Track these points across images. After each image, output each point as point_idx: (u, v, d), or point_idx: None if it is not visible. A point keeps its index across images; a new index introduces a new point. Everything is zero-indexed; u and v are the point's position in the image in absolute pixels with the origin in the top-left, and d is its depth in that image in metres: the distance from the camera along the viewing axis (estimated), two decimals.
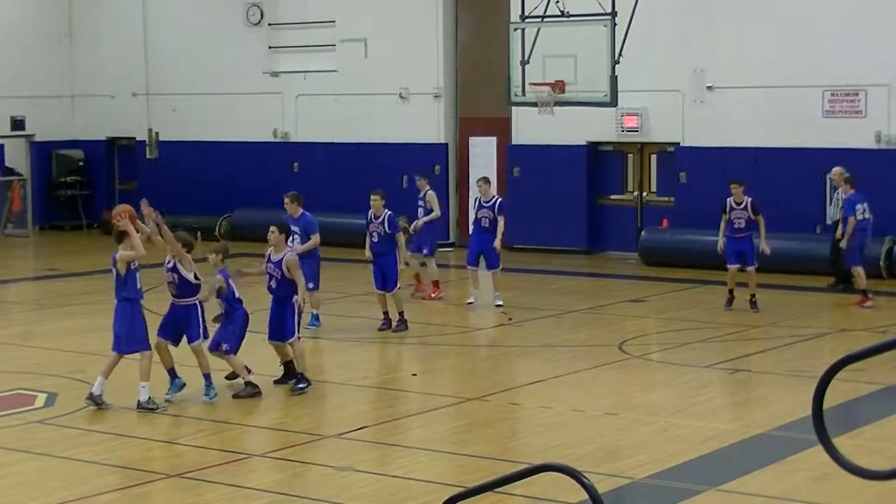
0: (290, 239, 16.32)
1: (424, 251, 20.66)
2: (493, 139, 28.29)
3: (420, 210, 21.04)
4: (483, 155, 28.41)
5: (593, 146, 27.00)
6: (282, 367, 14.88)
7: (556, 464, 5.89)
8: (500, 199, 20.50)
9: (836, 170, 21.52)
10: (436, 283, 20.84)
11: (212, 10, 31.56)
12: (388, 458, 12.09)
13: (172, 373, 14.16)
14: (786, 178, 24.48)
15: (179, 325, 14.15)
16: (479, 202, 20.51)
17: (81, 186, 33.18)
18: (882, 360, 5.59)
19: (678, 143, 25.94)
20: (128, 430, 13.13)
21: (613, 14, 20.23)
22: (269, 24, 30.65)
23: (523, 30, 21.07)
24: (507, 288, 20.50)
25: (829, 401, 4.79)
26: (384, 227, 18.30)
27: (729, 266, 19.75)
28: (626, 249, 26.41)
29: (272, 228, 14.70)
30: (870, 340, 16.82)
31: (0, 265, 26.94)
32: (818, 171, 24.11)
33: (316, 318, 18.46)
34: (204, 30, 31.55)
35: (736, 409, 14.19)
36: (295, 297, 14.48)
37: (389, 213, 18.45)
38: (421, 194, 21.07)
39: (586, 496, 5.44)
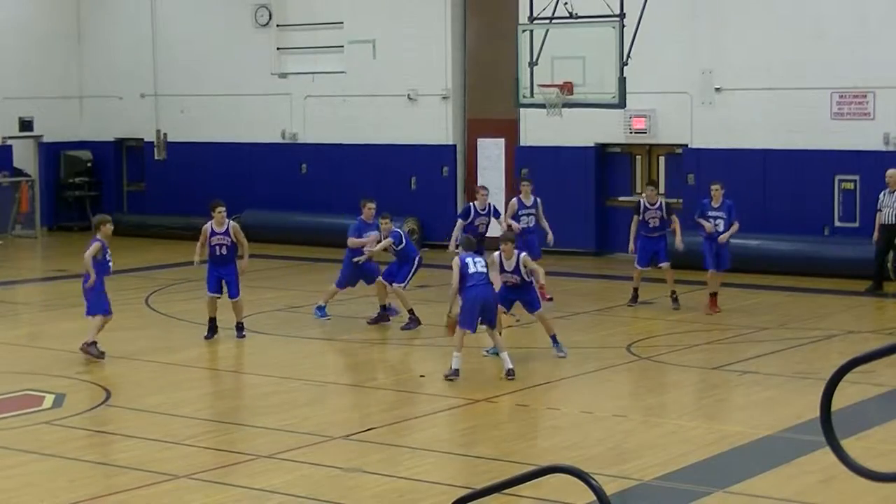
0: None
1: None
2: (502, 140, 28.28)
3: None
4: (491, 156, 28.40)
5: (601, 148, 26.98)
6: (209, 322, 18.04)
7: (564, 465, 5.89)
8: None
9: (893, 171, 21.61)
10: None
11: (220, 12, 31.59)
12: (396, 459, 12.09)
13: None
14: (794, 179, 24.45)
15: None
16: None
17: (89, 187, 33.21)
18: (890, 363, 5.58)
19: (686, 145, 25.92)
20: (135, 431, 13.15)
21: (622, 16, 20.22)
22: (277, 26, 30.68)
23: (531, 31, 21.06)
24: None
25: (837, 403, 4.79)
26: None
27: (638, 267, 20.77)
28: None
29: (220, 209, 18.21)
30: (878, 342, 16.81)
31: (8, 266, 26.97)
32: (826, 172, 24.11)
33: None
34: (212, 31, 31.58)
35: (744, 411, 14.18)
36: (238, 259, 18.03)
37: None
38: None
39: (594, 498, 5.44)
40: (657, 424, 13.28)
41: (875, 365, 5.03)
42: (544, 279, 17.26)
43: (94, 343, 16.66)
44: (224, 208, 18.31)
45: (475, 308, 15.34)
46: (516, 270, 16.22)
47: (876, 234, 21.74)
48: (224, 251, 17.99)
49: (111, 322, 18.41)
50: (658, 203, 20.56)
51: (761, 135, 24.86)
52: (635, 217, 20.72)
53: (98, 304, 16.74)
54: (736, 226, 20.08)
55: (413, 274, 18.92)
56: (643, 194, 21.28)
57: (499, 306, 16.19)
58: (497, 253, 16.44)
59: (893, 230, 21.55)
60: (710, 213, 20.10)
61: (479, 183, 28.36)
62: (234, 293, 17.97)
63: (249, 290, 21.39)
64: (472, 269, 15.50)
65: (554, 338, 16.59)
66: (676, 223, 20.56)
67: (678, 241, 20.43)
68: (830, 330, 18.58)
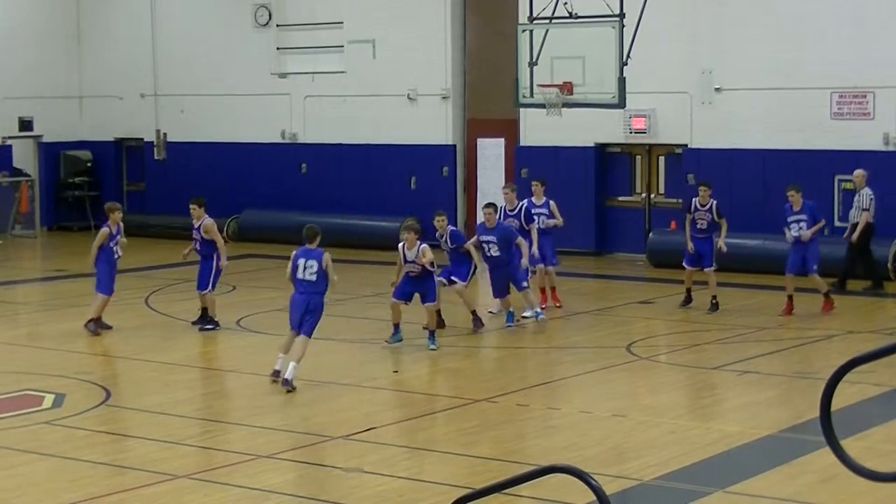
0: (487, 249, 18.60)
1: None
2: (501, 140, 28.28)
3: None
4: (491, 156, 28.41)
5: (601, 148, 26.98)
6: (200, 311, 18.59)
7: (563, 465, 5.89)
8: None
9: (859, 172, 21.63)
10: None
11: (220, 12, 31.59)
12: (396, 459, 12.09)
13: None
14: (793, 179, 24.28)
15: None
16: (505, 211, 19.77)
17: (89, 187, 33.20)
18: (889, 362, 5.58)
19: (686, 145, 25.92)
20: (135, 431, 13.15)
21: (621, 15, 20.21)
22: (277, 26, 30.68)
23: (531, 31, 21.06)
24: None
25: (837, 403, 4.79)
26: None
27: (686, 267, 20.28)
28: (634, 251, 26.41)
29: (193, 205, 18.51)
30: (877, 342, 16.80)
31: (8, 266, 26.98)
32: (826, 172, 24.11)
33: (511, 316, 18.99)
34: (212, 31, 31.58)
35: (744, 411, 14.17)
36: (214, 254, 18.22)
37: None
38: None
39: (594, 498, 5.44)
40: (657, 424, 13.27)
41: (875, 365, 5.03)
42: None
43: (92, 320, 18.07)
44: (195, 206, 18.65)
45: (296, 312, 15.07)
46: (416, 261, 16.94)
47: (847, 232, 21.81)
48: (197, 246, 18.56)
49: (110, 322, 18.47)
50: (709, 204, 19.97)
51: (761, 135, 24.86)
52: (687, 216, 20.27)
53: (98, 283, 18.27)
54: (822, 223, 19.79)
55: (473, 272, 18.61)
56: (696, 195, 20.33)
57: (398, 302, 17.19)
58: (400, 244, 17.19)
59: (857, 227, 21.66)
60: (791, 219, 19.62)
61: (480, 182, 28.42)
62: (199, 286, 18.52)
63: (249, 290, 21.42)
64: (299, 274, 15.14)
65: (432, 333, 17.12)
66: (724, 226, 20.01)
67: (721, 243, 19.88)
68: (830, 330, 18.58)
